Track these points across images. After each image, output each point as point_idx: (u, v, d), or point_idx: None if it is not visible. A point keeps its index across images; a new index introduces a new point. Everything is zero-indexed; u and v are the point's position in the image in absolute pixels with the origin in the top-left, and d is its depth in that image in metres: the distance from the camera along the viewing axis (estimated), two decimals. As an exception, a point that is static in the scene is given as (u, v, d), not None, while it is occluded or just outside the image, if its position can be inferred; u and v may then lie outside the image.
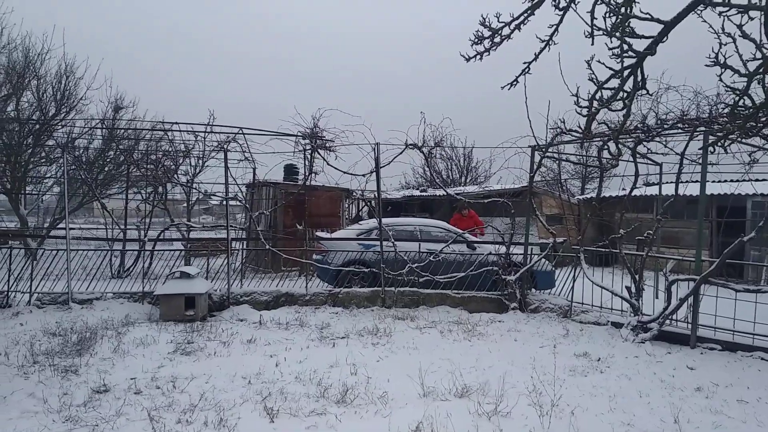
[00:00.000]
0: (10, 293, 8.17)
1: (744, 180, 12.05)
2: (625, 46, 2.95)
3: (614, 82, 3.15)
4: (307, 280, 9.05)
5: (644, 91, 3.12)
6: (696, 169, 7.32)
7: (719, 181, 13.80)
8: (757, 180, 11.50)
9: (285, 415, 4.22)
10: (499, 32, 3.82)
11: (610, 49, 3.01)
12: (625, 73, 3.04)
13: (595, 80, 3.22)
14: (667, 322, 6.88)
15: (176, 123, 9.88)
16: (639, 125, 7.19)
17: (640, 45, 2.98)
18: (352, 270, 9.21)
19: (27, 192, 16.16)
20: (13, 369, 5.29)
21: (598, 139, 7.29)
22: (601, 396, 4.83)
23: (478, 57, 3.90)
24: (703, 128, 6.55)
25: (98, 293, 8.38)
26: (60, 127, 13.89)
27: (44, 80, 14.41)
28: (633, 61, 3.00)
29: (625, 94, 3.12)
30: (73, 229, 12.34)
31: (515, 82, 3.93)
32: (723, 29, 3.40)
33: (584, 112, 3.30)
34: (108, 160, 14.25)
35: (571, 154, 12.44)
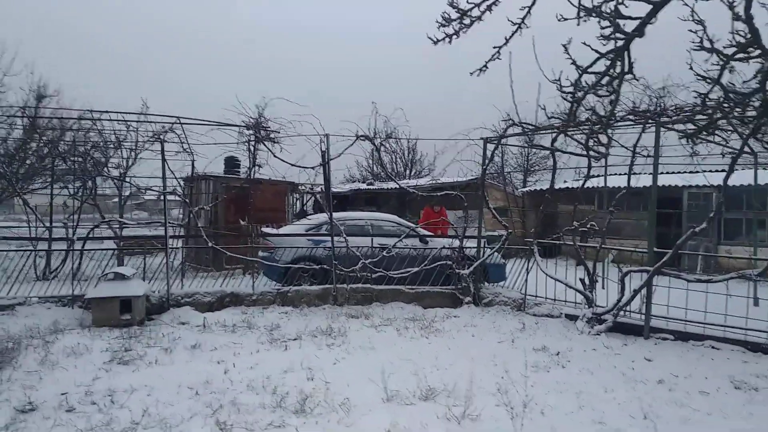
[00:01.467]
0: None
1: (682, 172, 12.52)
2: (611, 29, 2.76)
3: (599, 67, 2.99)
4: (253, 279, 8.60)
5: (631, 75, 2.97)
6: (645, 161, 7.43)
7: (660, 173, 14.28)
8: (693, 172, 11.96)
9: (240, 430, 3.85)
10: (469, 13, 3.57)
11: (602, 28, 2.83)
12: (612, 55, 2.87)
13: (576, 65, 3.05)
14: (621, 313, 6.92)
15: (106, 111, 9.12)
16: (590, 116, 7.18)
17: (626, 28, 2.81)
18: (301, 267, 8.82)
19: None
20: None
21: (551, 130, 7.23)
22: (567, 393, 4.72)
23: (447, 40, 3.64)
24: (653, 120, 6.61)
25: (21, 298, 7.61)
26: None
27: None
28: (620, 43, 2.83)
29: (611, 79, 2.96)
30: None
31: (484, 68, 3.70)
32: (695, 16, 3.31)
33: (569, 98, 3.13)
34: (30, 152, 13.17)
35: (518, 145, 12.44)
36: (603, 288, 8.46)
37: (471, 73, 3.75)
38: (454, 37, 3.66)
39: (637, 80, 3.01)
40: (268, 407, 4.30)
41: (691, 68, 3.67)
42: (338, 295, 8.36)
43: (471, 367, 5.36)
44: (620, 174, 11.19)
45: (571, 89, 3.10)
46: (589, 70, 3.02)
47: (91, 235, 10.28)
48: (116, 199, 16.53)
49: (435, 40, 3.72)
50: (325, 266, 8.56)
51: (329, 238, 8.60)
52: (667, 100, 7.16)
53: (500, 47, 3.67)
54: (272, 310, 8.01)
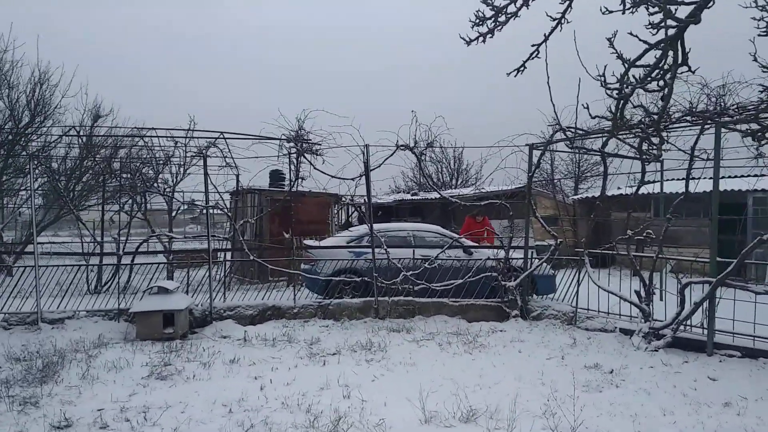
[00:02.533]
0: (-27, 314, 7.57)
1: (746, 176, 11.74)
2: (662, 15, 2.48)
3: (647, 59, 2.71)
4: (294, 292, 8.52)
5: (686, 68, 2.68)
6: (704, 165, 6.93)
7: (721, 177, 13.45)
8: (758, 176, 11.18)
9: (269, 452, 3.70)
10: (504, 10, 3.35)
11: (650, 15, 2.55)
12: (663, 45, 2.58)
13: (623, 58, 2.77)
14: (681, 327, 6.44)
15: (153, 129, 9.32)
16: (644, 119, 6.76)
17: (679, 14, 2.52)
18: (342, 279, 8.68)
19: (2, 205, 15.51)
20: (-36, 403, 4.72)
21: (600, 134, 6.84)
22: (621, 416, 4.35)
23: (481, 39, 3.43)
24: (712, 121, 6.14)
25: (70, 312, 7.79)
26: (35, 137, 13.30)
27: (17, 89, 13.83)
28: (673, 31, 2.54)
29: (663, 72, 2.68)
30: (46, 243, 11.75)
31: (523, 68, 3.46)
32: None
33: (615, 94, 2.85)
34: (85, 170, 13.66)
35: (565, 150, 11.97)
36: (661, 300, 7.94)
37: (508, 74, 3.52)
38: (489, 36, 3.44)
39: (693, 72, 2.70)
40: (300, 427, 4.14)
41: (755, 59, 3.31)
42: (380, 308, 8.17)
43: (517, 387, 5.07)
44: (678, 179, 10.57)
45: (617, 85, 2.82)
46: (638, 63, 2.74)
47: (140, 250, 10.53)
48: (182, 215, 16.90)
49: (468, 40, 3.51)
50: (366, 278, 8.39)
51: (370, 250, 8.43)
52: (727, 99, 6.68)
53: (539, 44, 3.44)
54: (313, 324, 7.89)
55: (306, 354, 6.35)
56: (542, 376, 5.37)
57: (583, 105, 3.67)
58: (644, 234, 7.76)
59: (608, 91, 2.87)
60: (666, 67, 2.65)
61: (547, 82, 4.12)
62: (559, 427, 3.92)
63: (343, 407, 4.55)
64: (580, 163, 21.83)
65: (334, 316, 8.14)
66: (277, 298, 8.57)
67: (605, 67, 2.86)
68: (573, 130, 7.51)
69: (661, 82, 2.78)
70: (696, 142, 6.41)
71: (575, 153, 15.15)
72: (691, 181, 7.05)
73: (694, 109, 6.27)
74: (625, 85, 2.80)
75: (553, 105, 5.16)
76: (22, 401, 4.70)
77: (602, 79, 2.86)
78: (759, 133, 4.21)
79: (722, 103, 6.57)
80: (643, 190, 13.15)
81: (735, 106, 6.05)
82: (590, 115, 3.71)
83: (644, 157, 6.37)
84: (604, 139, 7.01)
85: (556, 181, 19.48)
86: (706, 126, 6.07)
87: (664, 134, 6.99)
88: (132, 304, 7.61)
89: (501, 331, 7.42)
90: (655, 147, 7.31)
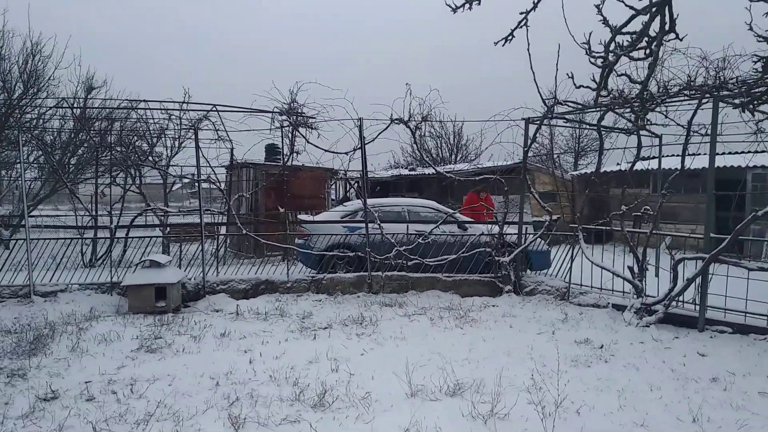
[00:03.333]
0: (-34, 287, 7.57)
1: (750, 152, 11.60)
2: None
3: (635, 26, 2.61)
4: (288, 266, 8.50)
5: (673, 35, 2.58)
6: (701, 140, 6.83)
7: (719, 153, 13.33)
8: (757, 152, 11.04)
9: (252, 425, 3.69)
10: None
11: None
12: (650, 11, 2.48)
13: (609, 25, 2.67)
14: (673, 303, 6.42)
15: (145, 101, 9.19)
16: (642, 94, 6.63)
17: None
18: (336, 254, 8.65)
19: (-3, 178, 15.45)
20: (-47, 374, 4.73)
21: (600, 108, 6.72)
22: (608, 391, 4.35)
23: (467, 6, 3.31)
24: (709, 95, 6.01)
25: (63, 285, 7.77)
26: (29, 109, 13.15)
27: (8, 60, 13.62)
28: (659, -5, 2.45)
29: (651, 40, 2.58)
30: (41, 216, 11.72)
31: (511, 37, 3.36)
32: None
33: (599, 62, 2.75)
34: (80, 143, 13.53)
35: (561, 126, 11.83)
36: (656, 276, 7.91)
37: (495, 43, 3.42)
38: (475, 2, 3.32)
39: (680, 39, 2.60)
40: (287, 400, 4.13)
41: (750, 28, 3.21)
42: (373, 282, 8.15)
43: (505, 361, 5.07)
44: (677, 155, 10.42)
45: (602, 54, 2.72)
46: (624, 30, 2.64)
47: (134, 223, 10.49)
48: (174, 188, 16.84)
49: (454, 6, 3.40)
50: (359, 253, 8.36)
51: (364, 225, 8.38)
52: (728, 73, 6.54)
53: (527, 12, 3.32)
54: (306, 298, 7.89)
55: (297, 328, 6.35)
56: (531, 351, 5.37)
57: (567, 74, 3.57)
58: (642, 210, 7.69)
59: (592, 60, 2.78)
60: (653, 33, 2.55)
61: (527, 49, 4.00)
62: (544, 401, 3.92)
63: (331, 380, 4.55)
64: (579, 139, 21.67)
65: (328, 290, 8.13)
66: (271, 273, 8.56)
67: (590, 34, 2.76)
68: (570, 104, 7.41)
69: (648, 51, 2.67)
70: (693, 117, 6.30)
71: (571, 128, 14.97)
72: (690, 157, 6.95)
73: (692, 83, 6.14)
74: (610, 53, 2.70)
75: (533, 73, 5.01)
76: (9, 373, 4.71)
77: (587, 46, 2.77)
78: (751, 105, 4.09)
79: (722, 77, 6.43)
80: (643, 165, 13.09)
81: (734, 79, 5.91)
82: (575, 84, 3.61)
83: (625, 130, 6.22)
84: (600, 113, 6.88)
85: (555, 156, 19.32)
86: (704, 100, 5.95)
87: (662, 109, 6.89)
88: (124, 278, 7.59)
89: (493, 306, 7.42)
90: (650, 123, 7.22)
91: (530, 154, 8.58)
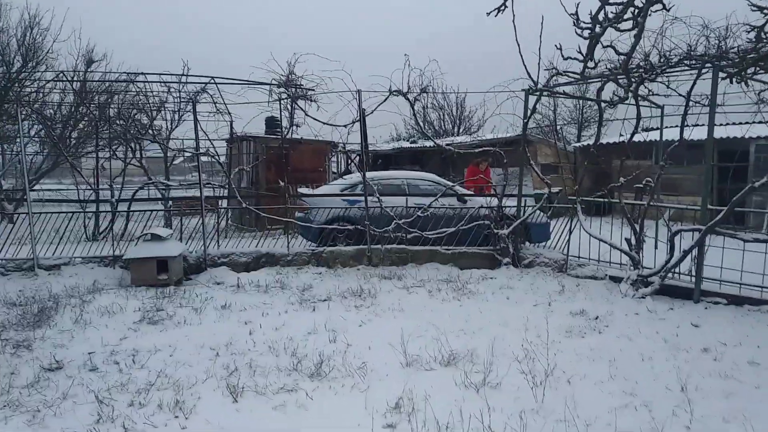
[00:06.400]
0: (-29, 260, 7.67)
1: (749, 122, 11.51)
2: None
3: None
4: (288, 239, 8.56)
5: (660, 6, 2.55)
6: (702, 111, 6.79)
7: (721, 124, 13.23)
8: (762, 122, 10.95)
9: (250, 394, 3.79)
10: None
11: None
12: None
13: (599, -4, 2.65)
14: (670, 275, 6.46)
15: (143, 73, 9.15)
16: (641, 63, 6.56)
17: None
18: (336, 227, 8.70)
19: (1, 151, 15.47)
20: (-41, 346, 4.84)
21: (598, 79, 6.66)
22: (600, 360, 4.43)
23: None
24: (710, 64, 5.95)
25: (66, 258, 7.88)
26: (28, 82, 13.11)
27: (6, 33, 13.54)
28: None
29: (637, 11, 2.56)
30: (43, 191, 11.79)
31: (503, 7, 3.33)
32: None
33: (585, 33, 2.74)
34: (80, 117, 13.50)
35: (569, 96, 11.72)
36: (656, 249, 7.95)
37: (488, 14, 3.39)
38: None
39: (668, 10, 2.58)
40: (284, 370, 4.23)
41: (745, -2, 3.16)
42: (372, 255, 8.22)
43: (500, 332, 5.14)
44: (688, 125, 10.27)
45: (589, 25, 2.70)
46: (612, 0, 2.61)
47: (135, 197, 10.56)
48: (176, 162, 16.82)
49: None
50: (359, 226, 8.41)
51: (363, 198, 8.40)
52: (730, 42, 6.45)
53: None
54: (306, 271, 7.97)
55: (297, 300, 6.44)
56: (527, 322, 5.43)
57: (556, 45, 3.54)
58: (644, 182, 7.68)
59: (578, 30, 2.76)
60: (640, 5, 2.52)
61: (513, 21, 3.95)
62: (534, 371, 4.00)
63: (328, 351, 4.64)
64: (583, 110, 21.47)
65: (328, 263, 8.21)
66: (272, 246, 8.63)
67: (578, 5, 2.74)
68: (570, 74, 7.34)
69: (634, 22, 2.65)
70: (692, 87, 6.24)
71: (571, 98, 14.80)
72: (689, 128, 6.91)
73: (692, 52, 6.06)
74: (597, 24, 2.68)
75: (518, 45, 4.95)
76: (15, 344, 4.82)
77: (575, 17, 2.74)
78: (741, 75, 4.05)
79: (724, 46, 6.35)
80: (646, 137, 13.00)
81: (735, 49, 5.84)
82: (563, 56, 3.58)
83: (619, 99, 6.15)
84: (601, 83, 6.81)
85: (558, 128, 19.17)
86: (703, 70, 5.89)
87: (664, 79, 6.81)
88: (126, 251, 7.68)
89: (491, 278, 7.49)
90: (651, 93, 7.17)
91: (532, 125, 8.55)
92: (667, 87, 7.04)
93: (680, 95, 6.92)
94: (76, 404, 3.66)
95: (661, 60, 6.62)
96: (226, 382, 3.93)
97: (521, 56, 5.45)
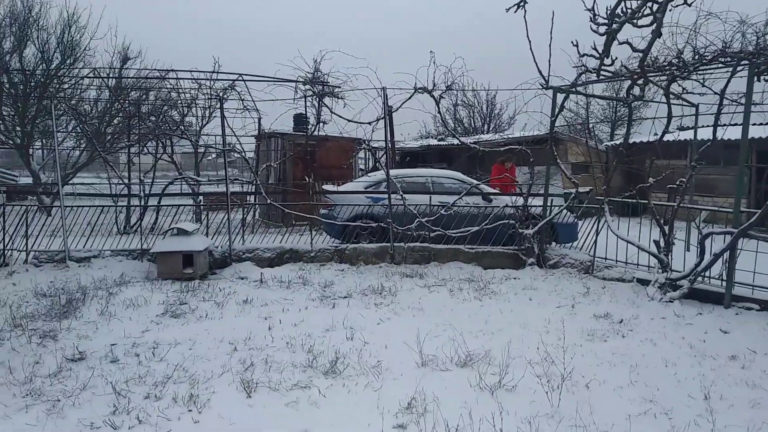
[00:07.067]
0: (6, 251, 7.93)
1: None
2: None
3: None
4: (312, 236, 8.60)
5: (681, 0, 2.46)
6: (736, 109, 6.56)
7: (760, 124, 12.78)
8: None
9: (264, 389, 3.81)
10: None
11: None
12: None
13: (616, -10, 2.56)
14: (699, 279, 6.27)
15: (173, 70, 9.33)
16: (674, 60, 6.36)
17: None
18: (359, 225, 8.70)
19: (37, 147, 15.97)
20: (-10, 334, 5.00)
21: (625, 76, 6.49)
22: (621, 365, 4.31)
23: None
24: (747, 61, 5.73)
25: (96, 251, 8.09)
26: (66, 79, 13.50)
27: (46, 30, 13.96)
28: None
29: (656, 6, 2.46)
30: (77, 185, 12.12)
31: (523, 2, 3.26)
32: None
33: (602, 29, 2.65)
34: (115, 113, 13.84)
35: (599, 96, 11.47)
36: (688, 251, 7.71)
37: (507, 10, 3.33)
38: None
39: (689, 5, 2.47)
40: (300, 367, 4.25)
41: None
42: (395, 253, 8.20)
43: (520, 334, 5.07)
44: (723, 125, 9.93)
45: (606, 21, 2.61)
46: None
47: (165, 192, 10.77)
48: (209, 157, 17.09)
49: None
50: (382, 224, 8.39)
51: (387, 196, 8.38)
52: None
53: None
54: (329, 267, 8.00)
55: (318, 296, 6.47)
56: (548, 324, 5.34)
57: (572, 42, 3.44)
58: (677, 182, 7.45)
59: (594, 26, 2.67)
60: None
61: (524, 17, 3.85)
62: (551, 374, 3.92)
63: (345, 348, 4.64)
64: (616, 108, 20.92)
65: (350, 260, 8.22)
66: (296, 242, 8.69)
67: (594, 1, 2.65)
68: (604, 70, 7.16)
69: (653, 18, 2.56)
70: (726, 85, 6.02)
71: (592, 98, 14.46)
72: (722, 127, 6.69)
73: (727, 49, 5.85)
74: (614, 20, 2.60)
75: (529, 41, 4.83)
76: (42, 334, 4.96)
77: (593, 13, 2.66)
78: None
79: (762, 42, 6.11)
80: (682, 136, 12.62)
81: (773, 45, 5.61)
82: (579, 53, 3.48)
83: (672, 101, 5.99)
84: (631, 81, 6.63)
85: (590, 126, 18.78)
86: (738, 67, 5.68)
87: (695, 77, 6.60)
88: (153, 245, 7.83)
89: (515, 278, 7.38)
90: (686, 91, 6.96)
91: (563, 123, 8.39)
92: (702, 85, 6.82)
93: (715, 93, 6.70)
94: (95, 395, 3.74)
95: (695, 57, 6.41)
96: (241, 377, 3.96)
97: (532, 54, 5.34)
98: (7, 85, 13.16)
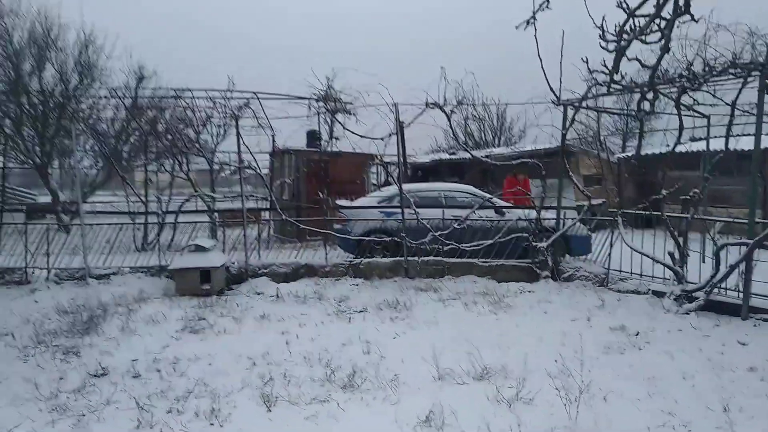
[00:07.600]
0: (28, 269, 8.09)
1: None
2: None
3: (648, 8, 2.55)
4: (326, 251, 8.69)
5: (688, 17, 2.52)
6: (749, 120, 6.57)
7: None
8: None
9: (284, 403, 3.87)
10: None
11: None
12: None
13: (625, 7, 2.62)
14: (715, 290, 6.24)
15: (190, 89, 9.51)
16: (684, 72, 6.41)
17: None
18: (373, 239, 8.77)
19: (55, 166, 16.24)
20: (15, 350, 5.12)
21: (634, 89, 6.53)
22: (638, 378, 4.32)
23: None
24: (759, 71, 5.76)
25: (115, 268, 8.23)
26: (84, 99, 13.81)
27: (64, 51, 14.30)
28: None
29: (666, 22, 2.53)
30: (96, 203, 12.32)
31: (533, 20, 3.34)
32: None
33: (611, 47, 2.72)
34: (132, 132, 14.08)
35: (610, 111, 11.50)
36: (703, 263, 7.68)
37: (517, 27, 3.41)
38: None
39: (696, 21, 2.53)
40: (318, 381, 4.30)
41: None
42: (409, 267, 8.25)
43: (536, 347, 5.08)
44: (736, 135, 9.90)
45: (615, 38, 2.68)
46: (638, 12, 2.59)
47: (185, 209, 10.90)
48: (224, 174, 17.28)
49: None
50: (395, 238, 8.45)
51: (400, 210, 8.45)
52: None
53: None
54: (344, 282, 8.06)
55: (334, 311, 6.52)
56: (564, 337, 5.35)
57: (582, 59, 3.51)
58: (691, 193, 7.45)
59: (603, 43, 2.73)
60: (667, 16, 2.49)
61: (534, 36, 3.94)
62: (568, 387, 3.93)
63: (362, 362, 4.69)
64: (627, 120, 20.92)
65: (365, 275, 8.28)
66: (311, 257, 8.77)
67: (603, 18, 2.72)
68: (614, 84, 7.22)
69: (661, 34, 2.62)
70: (737, 96, 6.05)
71: (602, 112, 14.45)
72: (734, 138, 6.70)
73: (738, 60, 5.88)
74: (624, 35, 2.66)
75: (540, 59, 4.89)
76: (65, 350, 5.06)
77: (602, 30, 2.73)
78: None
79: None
80: (694, 147, 12.59)
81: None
82: (589, 69, 3.54)
83: (683, 113, 6.02)
84: (643, 94, 6.67)
85: (601, 138, 18.74)
86: (749, 78, 5.71)
87: (706, 89, 6.64)
88: (172, 262, 7.94)
89: (529, 292, 7.39)
90: (697, 102, 6.98)
91: (575, 136, 8.44)
92: (713, 96, 6.86)
93: (726, 104, 6.72)
94: (119, 410, 3.82)
95: (705, 69, 6.45)
96: (261, 392, 4.02)
97: (543, 70, 5.41)
98: (27, 106, 13.47)
